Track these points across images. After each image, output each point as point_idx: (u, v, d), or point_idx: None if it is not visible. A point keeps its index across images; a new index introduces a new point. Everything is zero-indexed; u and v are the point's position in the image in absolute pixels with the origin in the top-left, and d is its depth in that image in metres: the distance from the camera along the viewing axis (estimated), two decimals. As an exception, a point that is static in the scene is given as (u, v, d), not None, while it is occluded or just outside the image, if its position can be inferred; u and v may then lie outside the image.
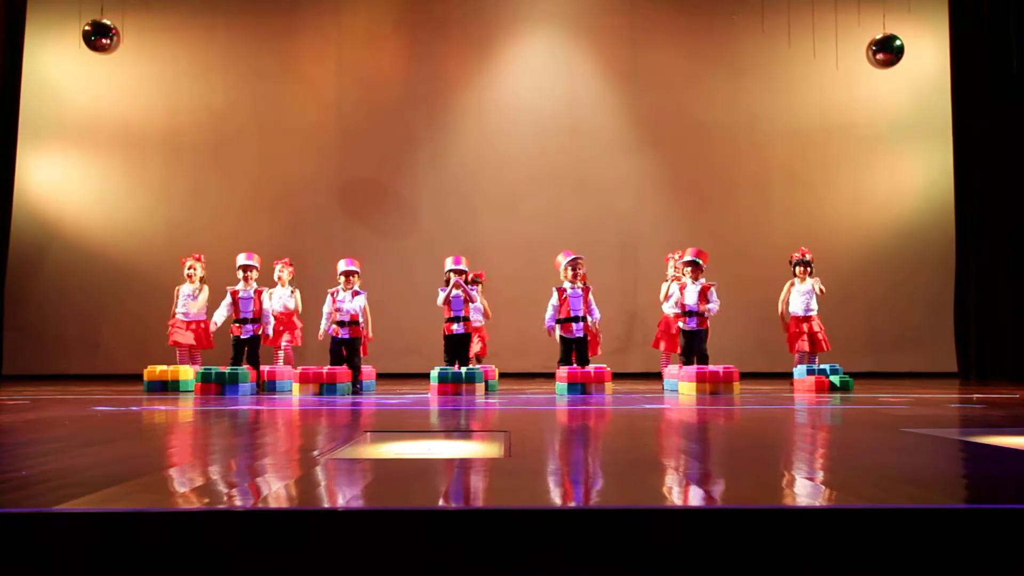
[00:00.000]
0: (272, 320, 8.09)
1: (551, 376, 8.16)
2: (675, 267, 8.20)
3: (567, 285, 7.50)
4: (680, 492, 2.18)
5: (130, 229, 10.58)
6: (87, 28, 9.86)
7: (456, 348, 7.60)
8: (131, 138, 10.77)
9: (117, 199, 10.76)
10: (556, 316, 7.49)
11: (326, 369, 7.03)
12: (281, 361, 8.51)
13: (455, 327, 7.64)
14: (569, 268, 7.54)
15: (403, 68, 11.13)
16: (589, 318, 7.48)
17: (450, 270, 7.72)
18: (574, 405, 5.65)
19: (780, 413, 4.93)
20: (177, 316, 8.13)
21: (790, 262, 8.12)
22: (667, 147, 11.04)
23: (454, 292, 7.62)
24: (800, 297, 7.97)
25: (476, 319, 8.17)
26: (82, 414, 4.77)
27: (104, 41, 9.87)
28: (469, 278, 7.96)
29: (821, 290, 7.82)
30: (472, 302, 7.82)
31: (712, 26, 11.07)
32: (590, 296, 7.51)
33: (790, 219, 10.74)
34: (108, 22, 9.91)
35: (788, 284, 8.09)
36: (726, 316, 9.09)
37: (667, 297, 8.21)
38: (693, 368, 7.14)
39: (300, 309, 8.57)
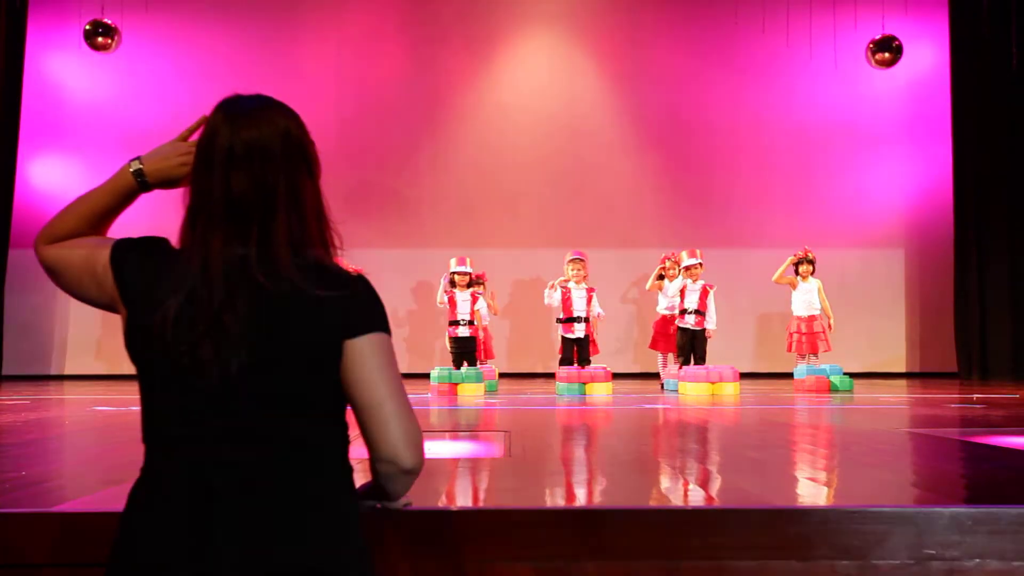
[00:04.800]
0: None
1: (551, 376, 8.15)
2: (670, 268, 8.20)
3: (572, 284, 7.54)
4: (681, 492, 2.17)
5: (130, 229, 10.42)
6: (87, 27, 9.83)
7: (464, 350, 7.62)
8: (132, 138, 10.69)
9: (117, 199, 10.74)
10: (558, 310, 7.54)
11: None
12: None
13: (460, 330, 7.66)
14: (568, 267, 7.57)
15: (403, 69, 11.10)
16: (594, 310, 7.51)
17: (454, 272, 7.74)
18: (574, 405, 5.65)
19: (780, 413, 4.92)
20: None
21: (795, 262, 8.10)
22: (667, 147, 11.01)
23: (462, 295, 7.65)
24: (803, 296, 7.96)
25: (481, 317, 8.15)
26: (82, 414, 4.77)
27: (104, 40, 9.84)
28: (473, 279, 7.95)
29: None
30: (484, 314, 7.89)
31: (713, 26, 11.03)
32: (594, 297, 7.53)
33: (790, 219, 10.71)
34: (109, 21, 9.89)
35: (788, 263, 8.02)
36: (726, 316, 9.10)
37: (659, 287, 8.25)
38: (693, 368, 7.15)
39: None
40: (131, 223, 1.61)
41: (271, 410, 1.29)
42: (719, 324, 8.12)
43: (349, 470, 1.39)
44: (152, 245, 1.40)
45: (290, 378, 1.30)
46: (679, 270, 8.07)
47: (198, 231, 1.32)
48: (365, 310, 1.38)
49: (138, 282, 1.35)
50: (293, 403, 1.30)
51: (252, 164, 1.33)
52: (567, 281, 7.57)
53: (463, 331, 7.67)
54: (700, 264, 7.85)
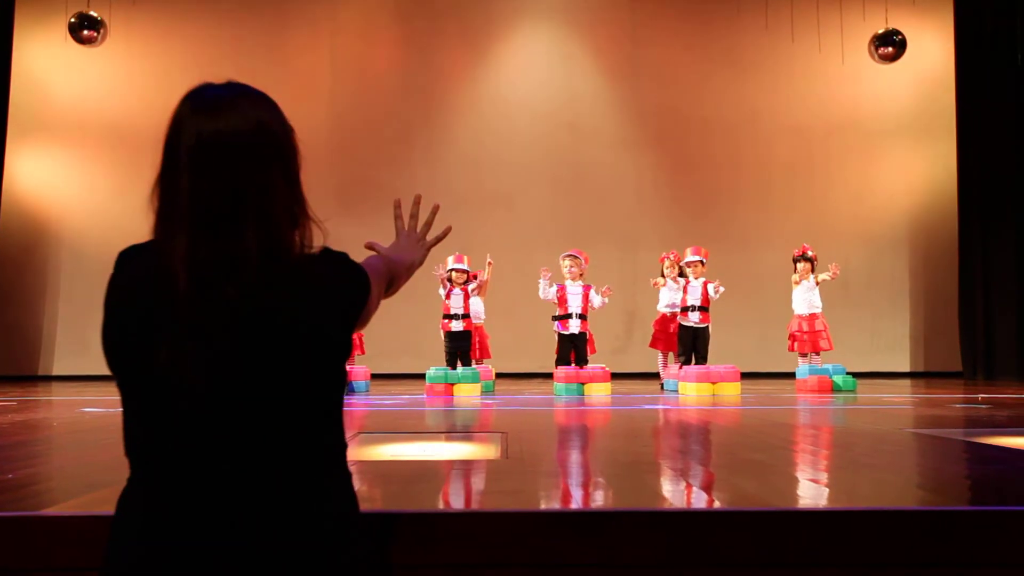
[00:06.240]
0: None
1: (549, 376, 8.12)
2: (668, 268, 8.16)
3: (568, 282, 7.50)
4: (681, 494, 2.14)
5: (120, 227, 10.27)
6: (73, 20, 9.70)
7: (456, 346, 7.56)
8: (121, 133, 10.66)
9: (107, 196, 10.66)
10: (554, 307, 7.51)
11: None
12: None
13: (454, 324, 7.61)
14: (563, 263, 7.55)
15: (398, 62, 11.05)
16: (593, 302, 7.45)
17: (451, 270, 7.69)
18: (572, 406, 5.61)
19: (782, 414, 4.89)
20: None
21: (794, 259, 8.05)
22: (667, 144, 10.97)
23: (455, 290, 7.62)
24: (804, 295, 7.91)
25: (476, 315, 8.08)
26: (70, 416, 4.73)
27: (91, 33, 9.69)
28: (468, 278, 7.91)
29: (820, 281, 7.71)
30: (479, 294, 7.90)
31: (714, 21, 10.99)
32: (591, 293, 7.47)
33: (792, 216, 10.68)
34: (95, 14, 9.76)
35: (795, 281, 7.99)
36: (727, 315, 9.05)
37: (662, 284, 8.21)
38: (694, 368, 7.11)
39: None
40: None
41: (258, 419, 1.24)
42: (721, 322, 8.07)
43: (348, 475, 1.36)
44: (116, 272, 1.33)
45: (275, 389, 1.25)
46: (678, 269, 8.04)
47: (167, 237, 1.25)
48: (348, 296, 1.35)
49: (112, 304, 1.29)
50: (281, 411, 1.26)
51: (220, 160, 1.25)
52: (566, 279, 7.54)
53: (456, 325, 7.61)
54: (701, 262, 7.81)
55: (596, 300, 7.45)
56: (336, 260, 1.36)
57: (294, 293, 1.26)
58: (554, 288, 7.47)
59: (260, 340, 1.23)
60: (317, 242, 1.36)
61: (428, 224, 1.87)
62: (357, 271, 1.38)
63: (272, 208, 1.27)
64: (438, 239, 1.86)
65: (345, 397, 1.39)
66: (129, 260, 1.33)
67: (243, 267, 1.23)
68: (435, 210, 1.88)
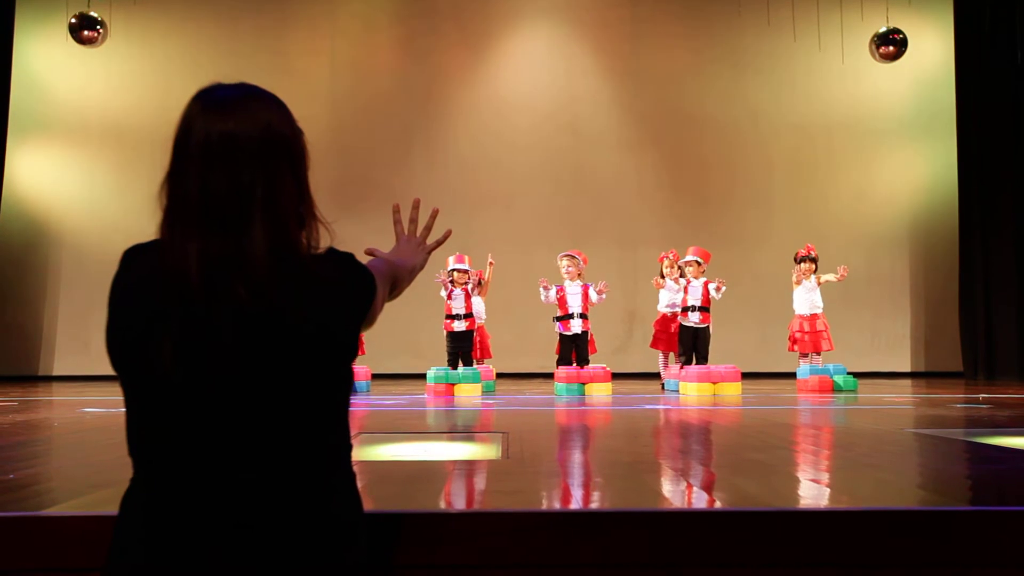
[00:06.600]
0: None
1: (550, 376, 8.11)
2: (668, 267, 8.15)
3: (567, 283, 7.51)
4: (681, 494, 2.14)
5: (120, 227, 10.30)
6: (73, 20, 9.70)
7: (459, 345, 7.56)
8: (121, 134, 10.67)
9: (107, 196, 10.66)
10: (555, 309, 7.51)
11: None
12: None
13: (456, 324, 7.62)
14: (561, 263, 7.55)
15: (398, 63, 11.05)
16: (592, 299, 7.46)
17: (452, 270, 7.70)
18: (573, 405, 5.61)
19: (783, 414, 4.88)
20: None
21: (795, 259, 8.04)
22: (668, 143, 10.97)
23: (456, 290, 7.62)
24: (805, 295, 7.90)
25: (477, 314, 8.07)
26: (71, 416, 4.73)
27: (91, 34, 9.68)
28: (471, 278, 7.92)
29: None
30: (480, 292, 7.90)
31: (715, 20, 10.98)
32: (590, 290, 7.48)
33: (792, 216, 10.67)
34: (95, 14, 9.75)
35: (795, 280, 7.98)
36: (728, 315, 9.04)
37: (661, 285, 8.20)
38: (694, 368, 7.11)
39: None
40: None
41: (262, 419, 1.24)
42: (721, 322, 8.05)
43: (352, 476, 1.36)
44: (122, 271, 1.34)
45: (280, 389, 1.25)
46: (677, 269, 8.04)
47: (175, 236, 1.25)
48: (354, 296, 1.36)
49: (117, 303, 1.29)
50: (286, 411, 1.26)
51: (229, 161, 1.25)
52: (565, 280, 7.55)
53: (459, 325, 7.62)
54: (697, 262, 7.80)
55: (593, 296, 7.47)
56: (342, 261, 1.37)
57: (301, 293, 1.26)
58: (553, 290, 7.48)
59: (267, 339, 1.23)
60: (323, 243, 1.36)
61: (428, 228, 1.89)
62: (363, 272, 1.39)
63: (280, 209, 1.27)
64: (438, 243, 1.88)
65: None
66: (134, 259, 1.33)
67: (252, 266, 1.23)
68: (434, 214, 1.90)
